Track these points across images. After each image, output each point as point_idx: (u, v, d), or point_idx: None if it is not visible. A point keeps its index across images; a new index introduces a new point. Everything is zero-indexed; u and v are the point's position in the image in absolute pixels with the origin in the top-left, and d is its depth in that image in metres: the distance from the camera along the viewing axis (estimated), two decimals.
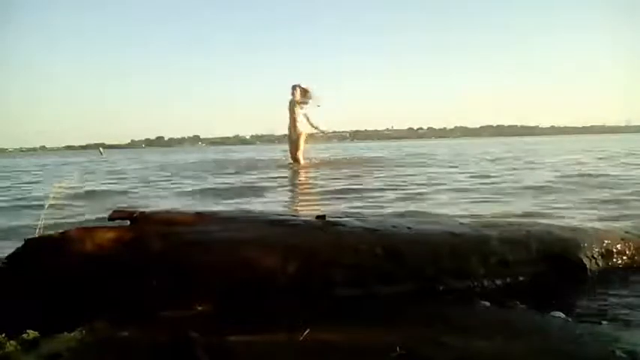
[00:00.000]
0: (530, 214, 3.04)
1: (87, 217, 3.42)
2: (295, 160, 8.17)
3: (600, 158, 9.52)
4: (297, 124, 8.07)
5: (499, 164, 8.64)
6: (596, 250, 1.69)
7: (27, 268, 1.34)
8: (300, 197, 4.89)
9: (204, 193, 5.09)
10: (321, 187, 5.34)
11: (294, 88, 8.15)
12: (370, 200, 4.10)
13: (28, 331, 1.15)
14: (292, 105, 8.08)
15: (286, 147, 8.92)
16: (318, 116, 8.14)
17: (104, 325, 1.21)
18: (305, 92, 8.13)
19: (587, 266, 1.63)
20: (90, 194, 5.20)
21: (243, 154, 18.51)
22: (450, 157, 12.10)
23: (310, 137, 8.42)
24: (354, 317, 1.32)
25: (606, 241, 1.74)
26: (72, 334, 1.17)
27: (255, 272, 1.40)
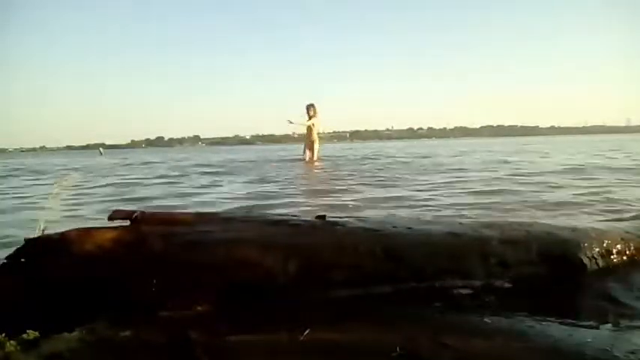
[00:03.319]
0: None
1: (87, 217, 3.42)
2: (312, 158, 11.18)
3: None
4: (315, 132, 11.19)
5: None
6: (596, 250, 1.69)
7: (27, 269, 1.34)
8: None
9: None
10: None
11: (311, 106, 11.20)
12: None
13: (28, 331, 1.15)
14: (310, 118, 11.19)
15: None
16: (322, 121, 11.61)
17: (104, 325, 1.21)
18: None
19: (587, 266, 1.63)
20: None
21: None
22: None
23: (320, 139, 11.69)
24: (354, 317, 1.32)
25: (606, 241, 1.74)
26: (72, 334, 1.17)
27: (255, 272, 1.40)
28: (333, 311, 1.36)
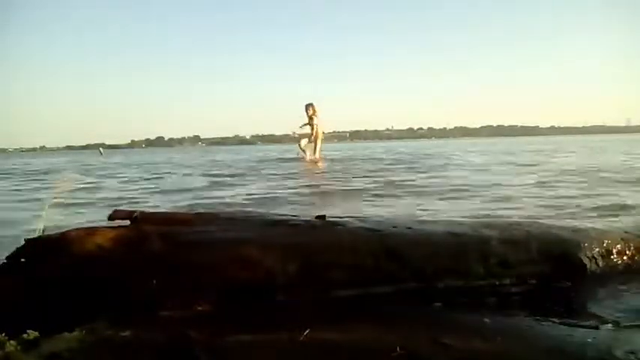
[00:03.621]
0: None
1: (87, 217, 3.42)
2: (313, 157, 11.41)
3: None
4: (320, 131, 11.46)
5: None
6: (596, 250, 1.69)
7: (27, 268, 1.34)
8: None
9: None
10: None
11: (309, 106, 11.44)
12: None
13: (28, 331, 1.15)
14: (310, 118, 11.46)
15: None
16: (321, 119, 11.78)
17: (104, 325, 1.21)
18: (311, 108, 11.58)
19: (587, 266, 1.63)
20: None
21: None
22: None
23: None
24: (354, 317, 1.32)
25: (606, 241, 1.74)
26: (72, 334, 1.17)
27: (255, 272, 1.40)
28: (333, 311, 1.36)
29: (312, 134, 11.57)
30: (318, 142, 11.55)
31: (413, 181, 5.88)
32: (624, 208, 3.30)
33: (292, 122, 11.90)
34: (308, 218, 1.65)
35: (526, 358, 1.08)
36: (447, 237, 1.61)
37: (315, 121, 11.43)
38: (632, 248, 1.76)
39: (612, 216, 2.95)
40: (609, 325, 1.25)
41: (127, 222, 1.51)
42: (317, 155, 11.46)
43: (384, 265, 1.48)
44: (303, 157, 11.42)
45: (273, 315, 1.34)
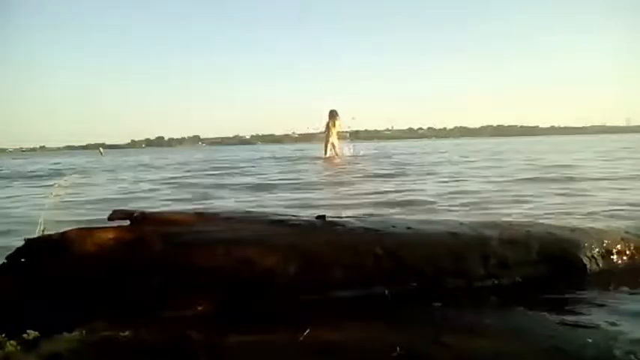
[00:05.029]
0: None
1: (87, 216, 3.42)
2: (337, 153, 13.04)
3: None
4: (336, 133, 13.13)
5: None
6: (596, 250, 1.69)
7: (27, 268, 1.34)
8: None
9: None
10: None
11: (334, 113, 13.00)
12: None
13: (28, 331, 1.15)
14: (333, 122, 13.04)
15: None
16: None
17: (104, 325, 1.21)
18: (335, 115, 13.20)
19: (587, 266, 1.63)
20: None
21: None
22: None
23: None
24: (354, 317, 1.32)
25: (606, 241, 1.73)
26: (72, 334, 1.17)
27: (255, 272, 1.40)
28: (333, 311, 1.36)
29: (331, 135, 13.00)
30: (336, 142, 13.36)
31: None
32: None
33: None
34: (308, 218, 1.65)
35: (526, 358, 1.08)
36: (447, 237, 1.61)
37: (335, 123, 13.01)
38: (632, 248, 1.76)
39: None
40: (609, 325, 1.25)
41: (127, 222, 1.51)
42: (338, 153, 13.05)
43: (383, 265, 1.48)
44: (333, 156, 12.67)
45: (273, 315, 1.34)
